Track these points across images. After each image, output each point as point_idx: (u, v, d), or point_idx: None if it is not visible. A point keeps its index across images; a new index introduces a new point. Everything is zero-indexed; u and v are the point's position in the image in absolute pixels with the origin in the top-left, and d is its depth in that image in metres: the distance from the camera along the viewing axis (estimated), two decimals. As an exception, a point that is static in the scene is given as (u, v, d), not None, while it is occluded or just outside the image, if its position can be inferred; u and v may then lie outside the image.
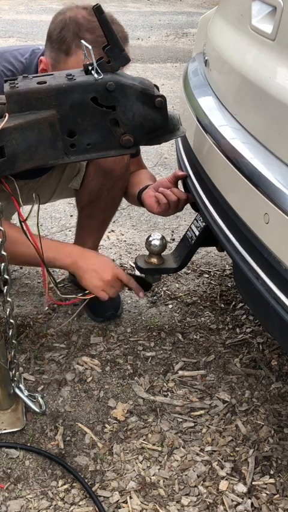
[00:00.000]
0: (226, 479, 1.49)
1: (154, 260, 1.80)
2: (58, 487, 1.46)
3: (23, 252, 1.57)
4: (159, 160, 3.50)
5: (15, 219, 1.85)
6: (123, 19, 7.90)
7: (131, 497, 1.44)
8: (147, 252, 1.82)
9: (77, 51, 1.57)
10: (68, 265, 1.74)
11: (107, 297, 1.74)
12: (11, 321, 1.54)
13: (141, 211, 2.85)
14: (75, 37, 1.58)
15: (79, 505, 1.42)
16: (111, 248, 2.48)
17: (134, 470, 1.51)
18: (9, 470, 1.50)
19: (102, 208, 2.03)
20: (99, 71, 1.33)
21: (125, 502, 1.43)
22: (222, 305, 2.18)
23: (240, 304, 2.18)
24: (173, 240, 2.59)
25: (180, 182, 1.86)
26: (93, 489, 1.46)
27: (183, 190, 1.85)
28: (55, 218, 2.81)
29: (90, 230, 2.07)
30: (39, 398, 1.69)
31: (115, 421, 1.66)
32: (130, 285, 1.79)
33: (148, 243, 1.79)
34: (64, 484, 1.47)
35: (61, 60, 1.62)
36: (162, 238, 1.78)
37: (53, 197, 2.16)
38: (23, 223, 1.41)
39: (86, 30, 1.57)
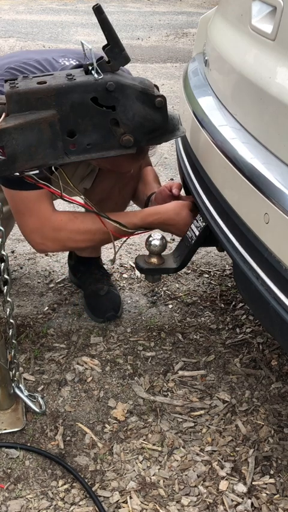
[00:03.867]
0: (226, 479, 1.49)
1: (154, 260, 1.80)
2: (58, 487, 1.46)
3: (91, 228, 1.70)
4: (159, 160, 3.50)
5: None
6: (123, 19, 7.91)
7: (131, 497, 1.44)
8: (147, 252, 1.82)
9: None
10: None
11: None
12: (11, 321, 1.54)
13: (141, 211, 2.85)
14: None
15: (79, 505, 1.42)
16: (111, 248, 2.47)
17: (134, 470, 1.51)
18: (9, 470, 1.50)
19: (111, 208, 2.00)
20: (99, 71, 1.33)
21: (125, 502, 1.43)
22: (222, 305, 2.18)
23: (240, 304, 2.18)
24: (173, 240, 2.59)
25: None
26: (93, 489, 1.46)
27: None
28: (55, 218, 2.81)
29: None
30: (39, 398, 1.69)
31: (115, 421, 1.66)
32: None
33: (148, 243, 1.79)
34: (64, 484, 1.47)
35: None
36: (162, 238, 1.78)
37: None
38: (63, 198, 1.56)
39: None
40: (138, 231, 1.76)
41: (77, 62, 1.66)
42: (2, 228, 1.41)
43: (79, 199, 1.74)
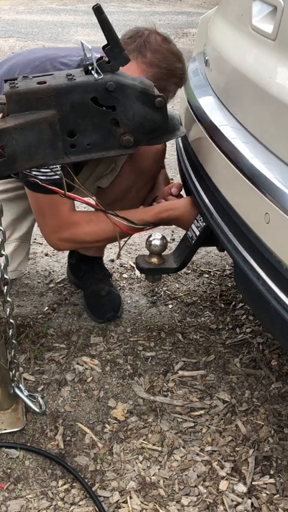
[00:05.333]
0: (226, 479, 1.49)
1: (154, 260, 1.80)
2: (58, 487, 1.46)
3: (106, 229, 1.73)
4: (159, 160, 3.50)
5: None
6: (123, 19, 7.90)
7: (131, 497, 1.44)
8: (147, 252, 1.82)
9: (131, 62, 1.51)
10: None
11: None
12: (11, 321, 1.54)
13: (141, 211, 2.85)
14: (136, 50, 1.61)
15: (79, 505, 1.42)
16: (111, 248, 2.48)
17: (134, 470, 1.51)
18: (9, 470, 1.50)
19: (124, 208, 1.90)
20: (99, 71, 1.33)
21: (125, 502, 1.43)
22: (222, 305, 2.18)
23: (240, 304, 2.18)
24: (173, 240, 2.59)
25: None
26: (93, 489, 1.45)
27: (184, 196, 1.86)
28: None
29: None
30: (39, 398, 1.69)
31: (115, 421, 1.66)
32: None
33: (148, 243, 1.79)
34: (64, 484, 1.47)
35: None
36: (163, 238, 1.78)
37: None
38: (66, 196, 1.57)
39: (150, 50, 1.61)
40: (147, 226, 1.78)
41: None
42: (2, 228, 1.41)
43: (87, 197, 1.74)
